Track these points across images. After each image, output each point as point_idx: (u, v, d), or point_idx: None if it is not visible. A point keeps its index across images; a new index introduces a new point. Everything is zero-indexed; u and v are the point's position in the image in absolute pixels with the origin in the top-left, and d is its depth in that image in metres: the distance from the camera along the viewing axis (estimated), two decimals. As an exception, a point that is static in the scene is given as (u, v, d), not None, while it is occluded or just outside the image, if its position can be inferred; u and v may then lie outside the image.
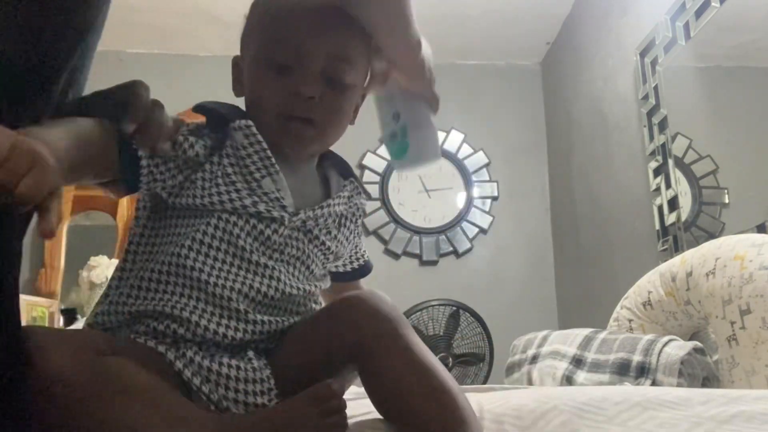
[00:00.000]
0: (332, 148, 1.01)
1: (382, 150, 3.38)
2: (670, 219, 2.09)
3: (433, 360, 0.70)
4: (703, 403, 0.77)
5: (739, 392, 0.83)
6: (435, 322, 2.52)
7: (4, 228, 0.57)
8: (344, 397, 0.69)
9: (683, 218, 2.03)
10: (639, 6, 2.38)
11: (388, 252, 3.24)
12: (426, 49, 0.91)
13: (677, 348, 1.34)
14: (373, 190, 3.32)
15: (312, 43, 0.80)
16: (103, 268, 2.85)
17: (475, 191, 3.35)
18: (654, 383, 1.34)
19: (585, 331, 1.67)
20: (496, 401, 0.81)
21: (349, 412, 0.68)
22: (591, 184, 2.84)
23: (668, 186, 2.12)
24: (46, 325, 2.75)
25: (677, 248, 2.03)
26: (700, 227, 1.95)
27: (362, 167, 3.33)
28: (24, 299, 2.74)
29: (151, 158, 0.76)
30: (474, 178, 3.37)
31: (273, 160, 0.80)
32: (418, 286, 3.13)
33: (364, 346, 0.69)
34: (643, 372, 1.37)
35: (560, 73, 3.27)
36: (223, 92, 3.70)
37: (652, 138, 2.23)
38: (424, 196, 3.33)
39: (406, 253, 3.25)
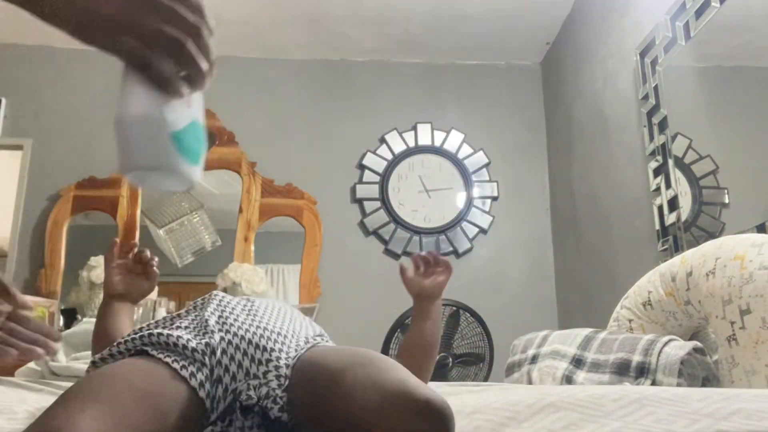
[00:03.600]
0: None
1: (383, 150, 3.38)
2: (670, 219, 2.09)
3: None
4: (701, 401, 0.77)
5: (738, 391, 0.83)
6: (435, 322, 2.51)
7: None
8: None
9: (683, 218, 2.03)
10: (639, 6, 2.38)
11: (388, 252, 3.24)
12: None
13: (677, 348, 1.34)
14: (373, 190, 3.32)
15: None
16: (103, 268, 2.85)
17: (475, 191, 3.35)
18: (654, 383, 1.33)
19: (585, 331, 1.67)
20: (494, 396, 0.82)
21: None
22: (591, 184, 2.84)
23: (668, 186, 2.12)
24: (46, 323, 2.75)
25: (677, 248, 2.03)
26: (700, 227, 1.95)
27: (362, 167, 3.33)
28: (24, 299, 2.74)
29: None
30: (474, 178, 3.37)
31: None
32: (418, 286, 3.13)
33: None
34: (643, 372, 1.37)
35: (560, 73, 3.27)
36: (223, 92, 3.74)
37: (652, 138, 2.23)
38: (424, 196, 3.33)
39: (406, 253, 3.25)
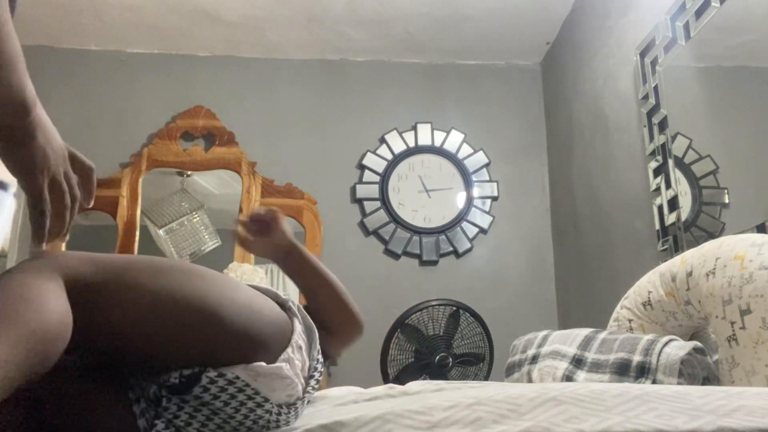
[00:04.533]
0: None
1: (383, 150, 3.38)
2: (670, 219, 2.09)
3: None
4: (703, 398, 0.77)
5: (740, 388, 0.83)
6: (435, 322, 2.51)
7: None
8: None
9: (683, 218, 2.03)
10: (639, 6, 2.38)
11: (388, 252, 3.24)
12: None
13: (677, 348, 1.34)
14: (373, 190, 3.32)
15: None
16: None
17: (475, 191, 3.35)
18: (654, 383, 1.33)
19: (585, 331, 1.67)
20: (495, 390, 0.82)
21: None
22: (591, 184, 2.84)
23: (668, 186, 2.12)
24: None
25: (677, 248, 2.03)
26: (700, 227, 1.95)
27: (362, 167, 3.33)
28: (24, 299, 2.74)
29: None
30: (474, 178, 3.37)
31: None
32: (418, 286, 3.13)
33: None
34: (643, 372, 1.37)
35: (560, 73, 3.27)
36: (223, 92, 3.73)
37: (652, 138, 2.23)
38: (424, 196, 3.33)
39: (406, 253, 3.25)
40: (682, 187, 2.05)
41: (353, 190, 3.31)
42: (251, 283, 0.95)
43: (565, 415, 0.73)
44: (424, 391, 1.12)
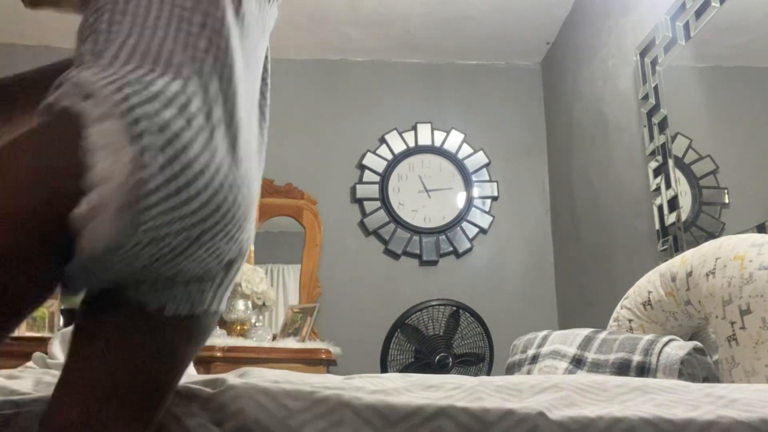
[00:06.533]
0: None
1: (383, 150, 3.38)
2: (670, 219, 2.09)
3: None
4: (702, 389, 0.78)
5: (739, 385, 0.83)
6: (435, 322, 2.51)
7: None
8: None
9: (683, 218, 2.03)
10: (639, 6, 2.38)
11: (388, 252, 3.24)
12: None
13: (677, 348, 1.34)
14: (373, 190, 3.32)
15: None
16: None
17: (475, 191, 3.35)
18: (654, 383, 1.34)
19: (585, 331, 1.67)
20: (497, 377, 0.82)
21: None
22: (591, 184, 2.84)
23: (668, 186, 2.12)
24: (46, 324, 2.75)
25: (677, 248, 2.03)
26: (700, 227, 1.95)
27: (362, 167, 3.34)
28: (24, 299, 2.73)
29: None
30: (474, 178, 3.37)
31: None
32: (418, 286, 3.13)
33: None
34: (643, 372, 1.37)
35: (560, 73, 3.27)
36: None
37: (652, 138, 2.23)
38: (424, 196, 3.33)
39: (406, 253, 3.25)
40: (682, 187, 2.05)
41: (353, 190, 3.32)
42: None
43: (566, 401, 0.73)
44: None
